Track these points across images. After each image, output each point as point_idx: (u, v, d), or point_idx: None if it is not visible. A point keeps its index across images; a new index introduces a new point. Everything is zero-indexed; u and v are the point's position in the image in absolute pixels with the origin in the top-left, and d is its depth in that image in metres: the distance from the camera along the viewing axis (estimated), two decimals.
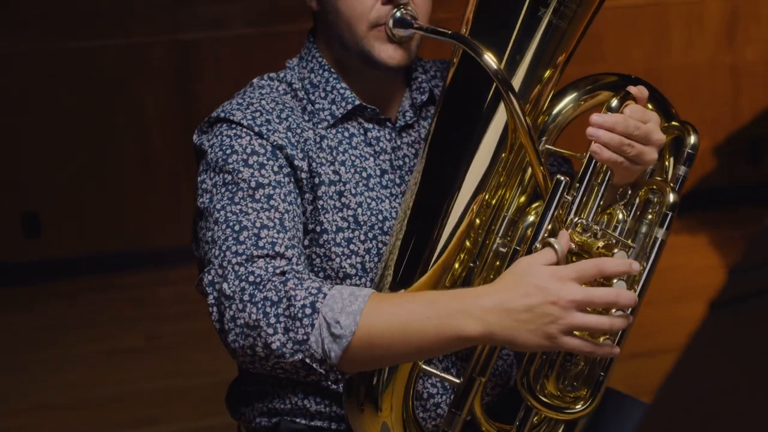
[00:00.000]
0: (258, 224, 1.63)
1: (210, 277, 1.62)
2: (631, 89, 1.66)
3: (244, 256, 1.60)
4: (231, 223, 1.64)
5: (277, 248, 1.62)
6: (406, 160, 1.84)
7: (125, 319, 4.52)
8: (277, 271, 1.59)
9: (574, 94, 1.76)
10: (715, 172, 5.53)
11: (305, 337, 1.52)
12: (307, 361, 1.53)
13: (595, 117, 1.61)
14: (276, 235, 1.63)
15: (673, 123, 1.75)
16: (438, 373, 1.68)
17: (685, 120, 1.76)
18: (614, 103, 1.64)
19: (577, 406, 1.66)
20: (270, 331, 1.53)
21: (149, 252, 5.02)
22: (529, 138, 1.61)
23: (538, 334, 1.48)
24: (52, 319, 4.56)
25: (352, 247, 1.76)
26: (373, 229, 1.77)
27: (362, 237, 1.77)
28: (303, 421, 1.81)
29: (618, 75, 1.78)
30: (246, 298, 1.56)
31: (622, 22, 5.27)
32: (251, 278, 1.58)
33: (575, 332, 1.49)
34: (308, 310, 1.52)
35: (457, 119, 1.68)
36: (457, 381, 1.66)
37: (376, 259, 1.77)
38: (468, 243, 1.66)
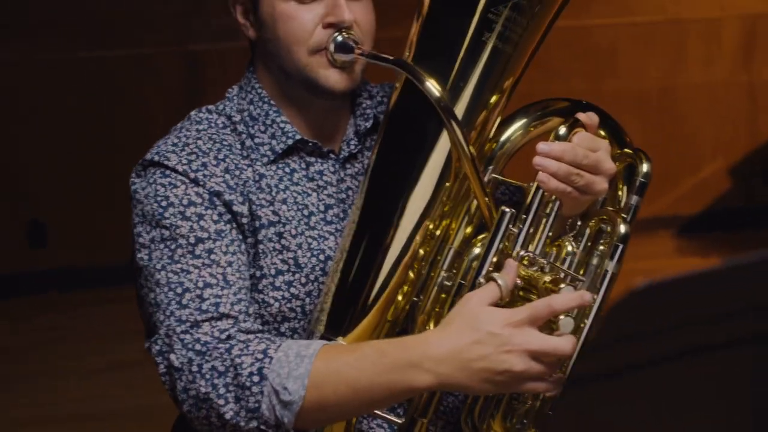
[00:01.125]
0: (200, 284, 1.59)
1: (158, 348, 1.60)
2: (580, 116, 1.60)
3: (188, 323, 1.57)
4: (173, 286, 1.60)
5: (221, 308, 1.58)
6: (350, 192, 1.78)
7: (127, 332, 4.48)
8: (223, 335, 1.55)
9: (524, 120, 1.69)
10: (731, 193, 5.44)
11: (256, 405, 1.50)
12: (263, 427, 1.52)
13: (541, 146, 1.55)
14: (220, 293, 1.59)
15: (626, 150, 1.68)
16: (380, 414, 1.62)
17: (638, 147, 1.70)
18: (562, 130, 1.58)
19: None
20: (221, 402, 1.52)
21: None
22: (473, 168, 1.55)
23: (492, 383, 1.45)
24: (52, 331, 4.55)
25: (292, 290, 1.70)
26: (314, 270, 1.71)
27: (303, 280, 1.71)
28: None
29: (569, 100, 1.72)
30: (194, 369, 1.54)
31: (638, 39, 5.20)
32: (197, 347, 1.55)
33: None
34: (255, 378, 1.50)
35: (399, 147, 1.63)
36: (399, 422, 1.60)
37: (316, 301, 1.72)
38: (412, 275, 1.61)
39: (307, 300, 1.71)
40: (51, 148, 4.85)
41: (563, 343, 1.44)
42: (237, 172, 1.70)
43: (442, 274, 1.62)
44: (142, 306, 1.67)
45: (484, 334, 1.43)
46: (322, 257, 1.72)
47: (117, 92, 4.86)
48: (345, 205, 1.76)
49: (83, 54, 4.81)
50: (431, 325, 1.62)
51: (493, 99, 1.61)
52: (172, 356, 1.56)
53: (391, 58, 1.59)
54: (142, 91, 4.87)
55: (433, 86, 1.55)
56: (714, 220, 5.25)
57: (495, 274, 1.48)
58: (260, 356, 1.51)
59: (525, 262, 1.54)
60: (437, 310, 1.62)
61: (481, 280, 1.51)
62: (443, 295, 1.62)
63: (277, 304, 1.69)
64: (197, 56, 4.91)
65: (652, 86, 5.19)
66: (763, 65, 5.34)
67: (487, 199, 1.58)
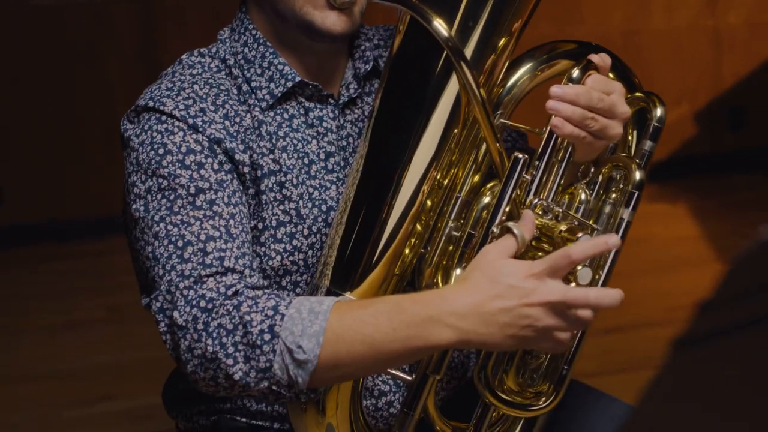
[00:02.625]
0: (202, 236, 1.50)
1: (158, 305, 1.50)
2: (593, 57, 1.53)
3: (191, 278, 1.47)
4: (173, 239, 1.50)
5: (225, 263, 1.49)
6: (350, 140, 1.70)
7: (85, 289, 4.38)
8: (229, 291, 1.46)
9: (531, 64, 1.62)
10: (696, 139, 5.41)
11: (268, 365, 1.41)
12: (274, 387, 1.43)
13: (555, 89, 1.48)
14: (223, 246, 1.50)
15: (637, 94, 1.62)
16: (390, 371, 1.54)
17: (651, 90, 1.64)
18: (575, 73, 1.51)
19: (539, 403, 1.54)
20: (229, 362, 1.42)
21: (110, 218, 4.88)
22: (483, 111, 1.48)
23: (514, 338, 1.37)
24: (10, 288, 4.43)
25: (294, 242, 1.63)
26: (316, 222, 1.63)
27: (305, 231, 1.63)
28: (244, 420, 1.69)
29: (577, 42, 1.66)
30: (200, 327, 1.44)
31: None
32: (202, 303, 1.45)
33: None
34: (267, 336, 1.41)
35: (404, 93, 1.54)
36: (409, 378, 1.53)
37: (319, 254, 1.64)
38: (419, 227, 1.54)
39: (310, 252, 1.63)
40: (4, 104, 4.70)
41: (586, 291, 1.37)
42: (237, 119, 1.61)
43: (450, 224, 1.55)
44: (138, 259, 1.58)
45: (505, 287, 1.36)
46: (324, 207, 1.64)
47: (71, 46, 4.71)
48: (345, 153, 1.68)
49: (36, 2, 4.65)
50: (439, 277, 1.55)
51: (502, 42, 1.53)
52: (176, 313, 1.46)
53: None
54: (95, 44, 4.72)
55: (440, 26, 1.46)
56: (679, 166, 5.22)
57: (511, 224, 1.41)
58: (271, 313, 1.42)
59: (538, 211, 1.48)
60: (445, 262, 1.55)
61: (494, 229, 1.45)
62: (450, 247, 1.55)
63: (278, 257, 1.62)
64: (152, 8, 4.77)
65: (616, 32, 5.13)
66: (727, 9, 5.30)
67: (498, 144, 1.50)
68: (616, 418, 1.71)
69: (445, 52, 1.48)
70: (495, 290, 1.36)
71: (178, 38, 4.74)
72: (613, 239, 1.38)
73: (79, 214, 4.87)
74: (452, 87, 1.50)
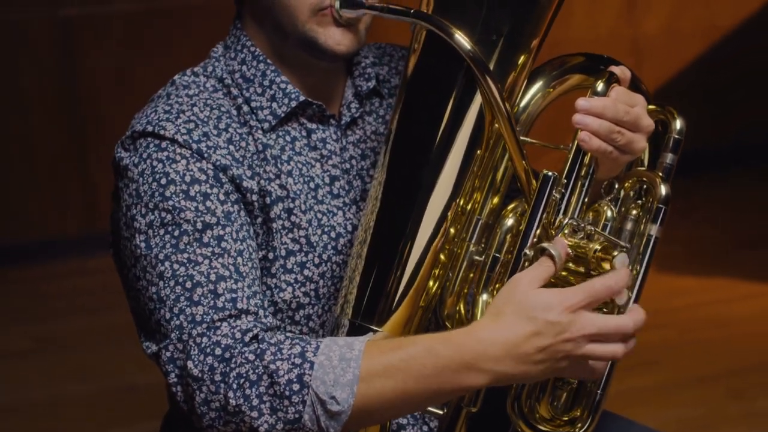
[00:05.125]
0: (212, 276, 1.40)
1: (169, 354, 1.39)
2: (615, 69, 1.48)
3: (204, 325, 1.37)
4: (180, 279, 1.40)
5: (239, 304, 1.40)
6: (354, 162, 1.62)
7: (9, 320, 4.20)
8: (246, 337, 1.37)
9: (542, 81, 1.57)
10: None
11: (297, 416, 1.33)
12: None
13: (581, 102, 1.43)
14: (234, 287, 1.40)
15: (651, 107, 1.58)
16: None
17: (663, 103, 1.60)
18: (600, 86, 1.45)
19: (574, 430, 1.48)
20: (254, 414, 1.33)
21: (32, 242, 4.69)
22: (509, 127, 1.42)
23: (548, 372, 1.35)
24: None
25: (306, 272, 1.54)
26: (326, 249, 1.55)
27: (316, 260, 1.54)
28: None
29: (584, 55, 1.62)
30: (218, 378, 1.35)
31: None
32: (218, 351, 1.36)
33: None
34: (296, 386, 1.32)
35: (423, 115, 1.46)
36: (440, 413, 1.46)
37: (329, 284, 1.56)
38: (443, 257, 1.47)
39: (321, 282, 1.55)
40: None
41: (624, 320, 1.35)
42: (242, 143, 1.52)
43: (471, 248, 1.48)
44: (137, 300, 1.47)
45: (542, 324, 1.31)
46: (333, 234, 1.56)
47: None
48: (349, 176, 1.60)
49: None
50: (461, 306, 1.49)
51: (521, 59, 1.47)
52: (189, 363, 1.36)
53: (412, 10, 1.42)
54: (11, 61, 4.54)
55: (462, 38, 1.40)
56: None
57: (546, 245, 1.35)
58: (298, 361, 1.33)
59: (567, 231, 1.42)
60: (466, 290, 1.49)
61: (527, 251, 1.39)
62: (471, 274, 1.49)
63: (290, 288, 1.53)
64: (69, 22, 4.61)
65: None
66: (644, 16, 5.34)
67: (524, 162, 1.44)
68: None
69: (465, 68, 1.41)
70: (530, 328, 1.31)
71: (96, 53, 4.60)
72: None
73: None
74: (475, 106, 1.44)
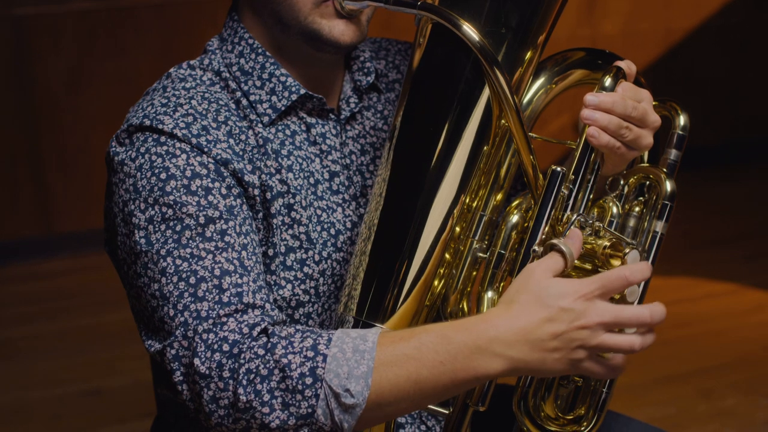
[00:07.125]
0: (216, 271, 1.36)
1: (174, 352, 1.35)
2: (621, 64, 1.46)
3: (210, 320, 1.33)
4: (184, 275, 1.36)
5: (245, 298, 1.35)
6: (353, 157, 1.59)
7: None
8: (254, 331, 1.33)
9: (544, 77, 1.56)
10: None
11: (310, 411, 1.28)
12: None
13: (590, 97, 1.40)
14: (239, 281, 1.36)
15: (653, 102, 1.56)
16: (429, 407, 1.44)
17: (665, 98, 1.59)
18: (608, 81, 1.43)
19: (580, 428, 1.46)
20: (266, 410, 1.29)
21: None
22: (518, 120, 1.39)
23: (564, 362, 1.29)
24: None
25: (306, 269, 1.51)
26: (326, 246, 1.52)
27: (316, 257, 1.51)
28: None
29: (585, 50, 1.61)
30: (226, 375, 1.30)
31: None
32: (225, 347, 1.32)
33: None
34: (308, 380, 1.28)
35: (429, 110, 1.43)
36: (446, 412, 1.43)
37: (329, 281, 1.53)
38: (448, 255, 1.44)
39: (321, 280, 1.51)
40: None
41: (641, 310, 1.30)
42: (242, 137, 1.48)
43: (474, 245, 1.45)
44: (138, 297, 1.42)
45: (556, 310, 1.27)
46: (332, 231, 1.53)
47: None
48: (349, 172, 1.57)
49: None
50: (465, 303, 1.46)
51: (528, 55, 1.45)
52: (196, 360, 1.32)
53: (419, 2, 1.39)
54: None
55: (471, 30, 1.37)
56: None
57: (557, 241, 1.32)
58: (311, 354, 1.29)
59: (575, 227, 1.39)
60: (470, 288, 1.47)
61: (536, 248, 1.35)
62: (474, 272, 1.47)
63: (289, 286, 1.49)
64: (24, 21, 4.52)
65: None
66: (604, 18, 5.36)
67: (532, 157, 1.41)
68: None
69: (473, 62, 1.38)
70: (545, 313, 1.27)
71: (52, 53, 4.51)
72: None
73: None
74: (482, 101, 1.41)
